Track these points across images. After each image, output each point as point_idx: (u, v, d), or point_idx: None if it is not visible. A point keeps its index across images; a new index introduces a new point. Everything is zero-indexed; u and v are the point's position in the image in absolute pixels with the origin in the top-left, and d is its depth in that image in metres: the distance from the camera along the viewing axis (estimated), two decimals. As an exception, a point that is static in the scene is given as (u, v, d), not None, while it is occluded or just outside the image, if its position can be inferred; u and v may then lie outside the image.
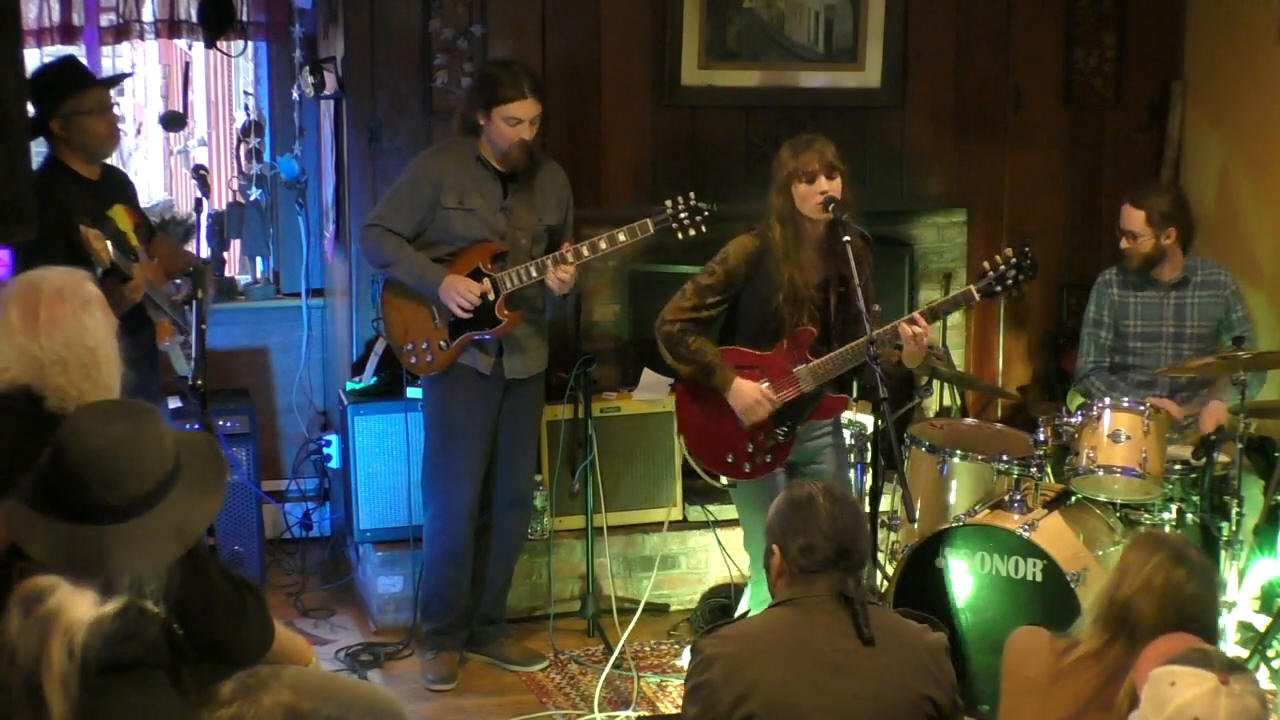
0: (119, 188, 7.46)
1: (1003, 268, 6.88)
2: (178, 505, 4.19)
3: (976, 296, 7.03)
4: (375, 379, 8.40)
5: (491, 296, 7.26)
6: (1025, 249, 6.91)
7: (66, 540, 4.05)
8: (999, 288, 6.92)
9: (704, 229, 7.34)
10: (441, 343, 7.38)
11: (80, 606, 3.94)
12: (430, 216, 7.38)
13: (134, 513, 4.10)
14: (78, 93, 7.21)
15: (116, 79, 8.09)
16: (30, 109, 6.97)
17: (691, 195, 7.32)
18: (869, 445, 7.26)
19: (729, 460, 7.18)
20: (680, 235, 7.35)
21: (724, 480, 7.50)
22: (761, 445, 7.09)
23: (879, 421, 6.86)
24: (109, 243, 6.58)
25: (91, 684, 3.89)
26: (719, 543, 8.40)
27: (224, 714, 3.61)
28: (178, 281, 7.23)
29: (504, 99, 7.22)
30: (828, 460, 7.29)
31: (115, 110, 7.67)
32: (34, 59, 7.75)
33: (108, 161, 7.53)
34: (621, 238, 7.28)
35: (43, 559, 4.02)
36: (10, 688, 3.94)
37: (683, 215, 7.30)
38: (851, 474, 7.59)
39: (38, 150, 6.96)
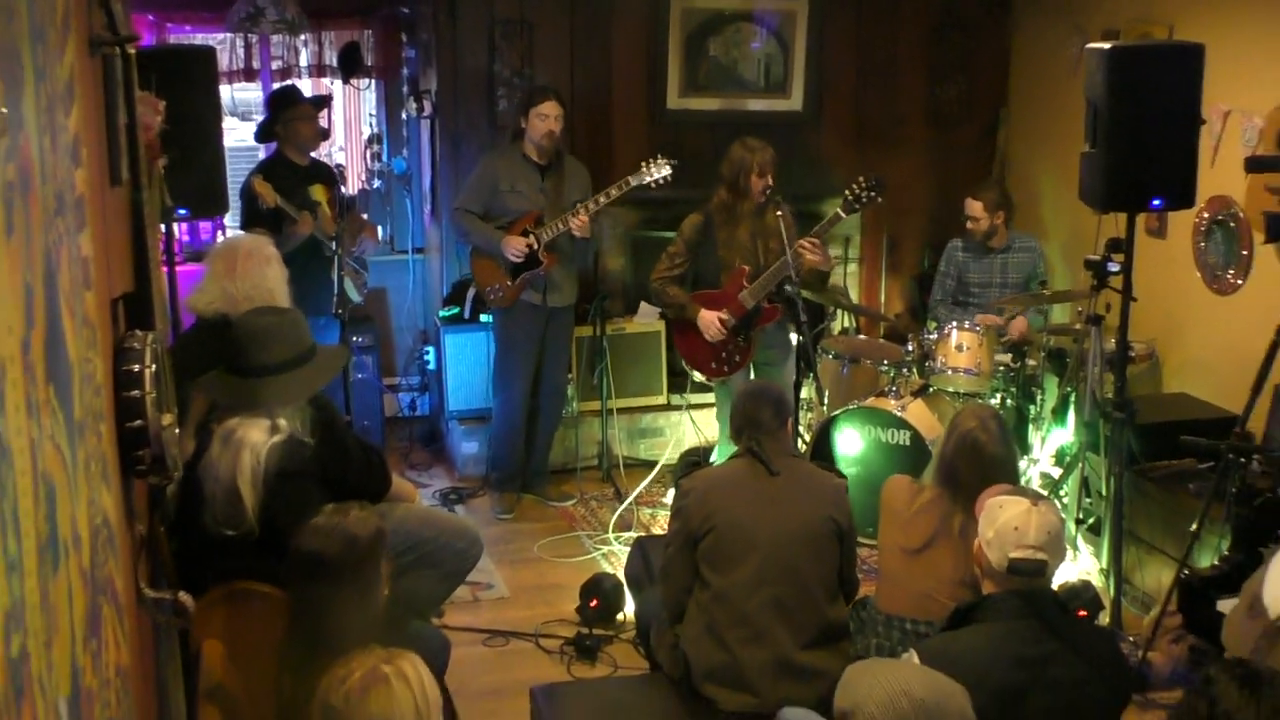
0: (320, 173, 7.89)
1: (859, 191, 7.10)
2: (310, 371, 4.44)
3: (843, 215, 7.19)
4: (457, 308, 8.46)
5: (535, 246, 7.38)
6: (874, 176, 7.13)
7: (236, 387, 4.32)
8: (857, 205, 7.15)
9: (669, 178, 7.41)
10: (508, 283, 7.49)
11: (257, 433, 4.23)
12: (492, 198, 7.51)
13: (278, 371, 4.36)
14: (293, 106, 7.79)
15: (322, 100, 8.31)
16: (263, 118, 7.95)
17: (659, 157, 7.43)
18: (796, 353, 7.32)
19: (712, 365, 7.44)
20: (653, 186, 7.44)
21: (712, 380, 7.63)
22: (730, 353, 7.33)
23: (800, 338, 6.98)
24: (275, 193, 7.19)
25: (270, 483, 4.15)
26: (690, 419, 8.47)
27: (320, 520, 3.78)
28: (335, 237, 7.38)
29: (536, 101, 7.43)
30: (775, 362, 7.53)
31: (319, 121, 8.03)
32: (225, 94, 7.84)
33: (315, 155, 8.00)
34: (614, 192, 7.43)
35: (222, 400, 4.33)
36: (215, 497, 4.09)
37: (652, 171, 7.40)
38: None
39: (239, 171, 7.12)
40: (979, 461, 4.80)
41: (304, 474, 4.22)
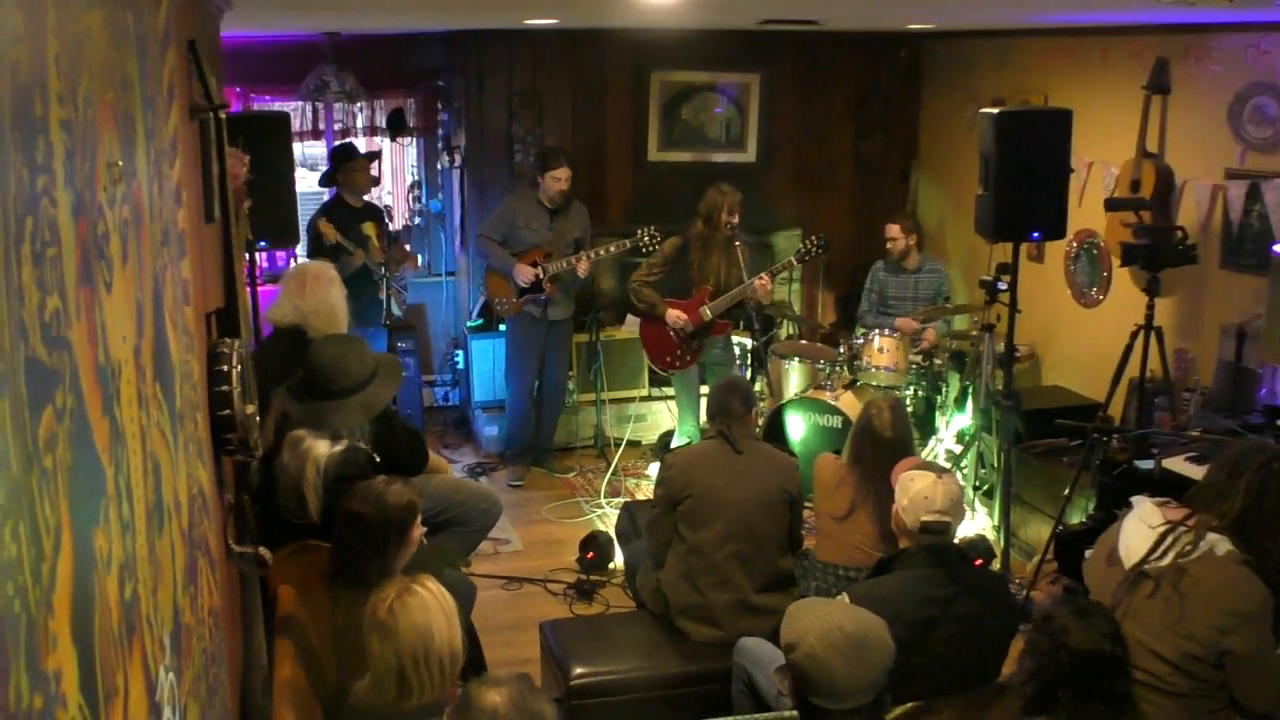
0: (371, 213, 7.88)
1: (811, 247, 7.20)
2: (370, 393, 4.38)
3: (796, 263, 7.36)
4: (481, 320, 8.45)
5: (541, 276, 7.38)
6: (823, 238, 7.23)
7: (309, 409, 4.27)
8: (808, 257, 7.27)
9: (657, 245, 7.42)
10: (513, 299, 7.51)
11: (321, 446, 4.16)
12: (510, 231, 7.51)
13: (343, 396, 4.31)
14: (351, 159, 7.79)
15: (374, 154, 8.24)
16: (327, 167, 7.87)
17: (651, 227, 7.45)
18: (750, 355, 7.31)
19: (668, 359, 7.41)
20: (644, 250, 7.48)
21: (663, 372, 7.62)
22: (684, 351, 7.33)
23: (754, 342, 6.99)
24: (339, 234, 7.29)
25: (330, 488, 4.08)
26: (666, 408, 8.43)
27: (366, 487, 3.81)
28: (385, 263, 7.60)
29: (551, 166, 7.42)
30: (723, 362, 7.47)
31: (371, 171, 8.02)
32: (298, 149, 7.81)
33: (367, 198, 7.95)
34: (613, 249, 7.47)
35: (296, 417, 4.26)
36: (286, 490, 4.09)
37: (645, 238, 7.44)
38: (737, 369, 7.64)
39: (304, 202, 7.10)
40: (876, 443, 4.82)
41: (358, 476, 4.19)
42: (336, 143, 8.21)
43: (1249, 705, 3.43)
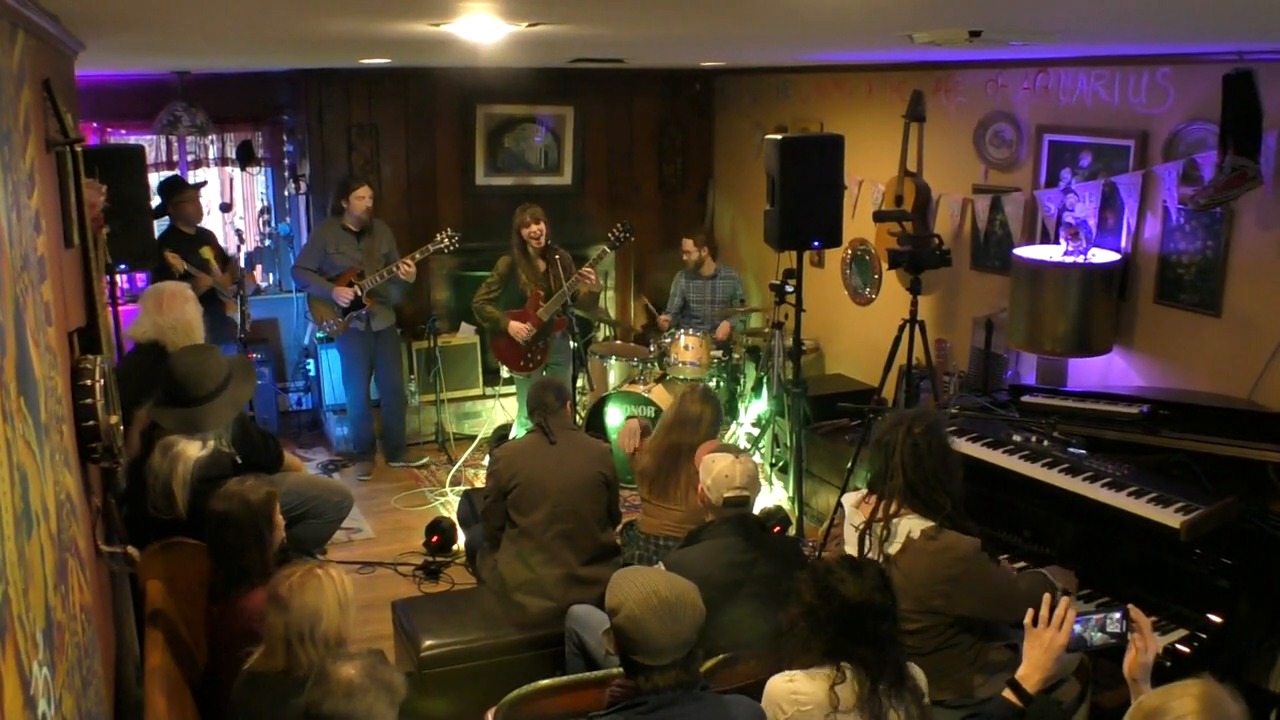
0: (206, 238, 7.51)
1: (618, 233, 7.22)
2: (231, 392, 4.27)
3: (608, 250, 7.31)
4: (325, 334, 8.27)
5: (359, 293, 7.27)
6: (627, 223, 7.29)
7: (179, 417, 4.12)
8: (618, 244, 7.27)
9: (456, 246, 7.38)
10: (338, 319, 7.37)
11: (191, 449, 4.05)
12: (324, 259, 7.38)
13: (209, 399, 4.17)
14: (181, 191, 7.39)
15: (200, 185, 7.85)
16: (158, 200, 7.23)
17: (449, 229, 7.39)
18: (573, 356, 7.30)
19: (520, 364, 7.31)
20: (446, 251, 7.41)
21: (517, 375, 7.47)
22: (533, 354, 7.25)
23: (575, 345, 6.97)
24: (184, 263, 6.87)
25: (195, 487, 3.98)
26: (500, 405, 8.39)
27: (226, 488, 3.71)
28: (238, 283, 7.22)
29: (353, 188, 7.35)
30: (561, 363, 7.39)
31: (200, 200, 7.63)
32: (153, 180, 7.42)
33: (200, 225, 7.56)
34: (418, 255, 7.32)
35: (169, 428, 4.09)
36: (154, 490, 3.94)
37: (444, 240, 7.33)
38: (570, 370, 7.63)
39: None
40: (686, 422, 4.93)
41: (221, 477, 4.08)
42: (163, 176, 7.78)
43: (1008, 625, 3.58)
